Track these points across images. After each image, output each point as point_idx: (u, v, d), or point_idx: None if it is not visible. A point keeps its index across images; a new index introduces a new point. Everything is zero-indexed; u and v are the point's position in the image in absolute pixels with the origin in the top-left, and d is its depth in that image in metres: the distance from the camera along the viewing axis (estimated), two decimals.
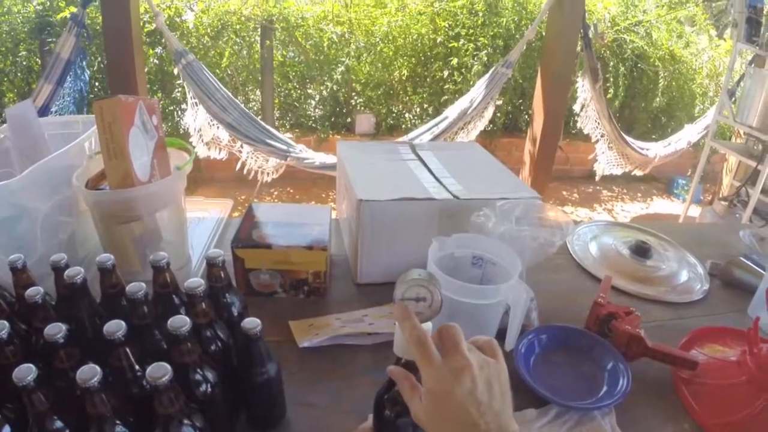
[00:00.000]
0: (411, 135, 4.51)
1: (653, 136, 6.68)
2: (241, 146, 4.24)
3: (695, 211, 5.82)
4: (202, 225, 1.80)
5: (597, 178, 5.57)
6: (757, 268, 1.75)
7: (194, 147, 4.18)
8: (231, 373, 0.91)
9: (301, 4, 6.08)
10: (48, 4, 5.42)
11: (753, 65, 4.92)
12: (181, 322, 0.79)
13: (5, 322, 0.83)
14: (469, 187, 1.54)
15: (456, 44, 6.04)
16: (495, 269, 1.27)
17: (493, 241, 1.27)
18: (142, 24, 4.67)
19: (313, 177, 4.90)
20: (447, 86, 6.20)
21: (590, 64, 4.59)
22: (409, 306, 0.81)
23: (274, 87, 6.20)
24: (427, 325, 0.83)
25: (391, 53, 6.24)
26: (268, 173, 4.44)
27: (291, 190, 5.95)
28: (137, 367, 0.81)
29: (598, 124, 4.94)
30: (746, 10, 4.82)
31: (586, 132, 5.09)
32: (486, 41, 5.98)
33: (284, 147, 4.26)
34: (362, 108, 6.46)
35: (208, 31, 5.75)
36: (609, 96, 6.33)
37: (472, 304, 1.15)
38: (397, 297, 0.82)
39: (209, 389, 0.84)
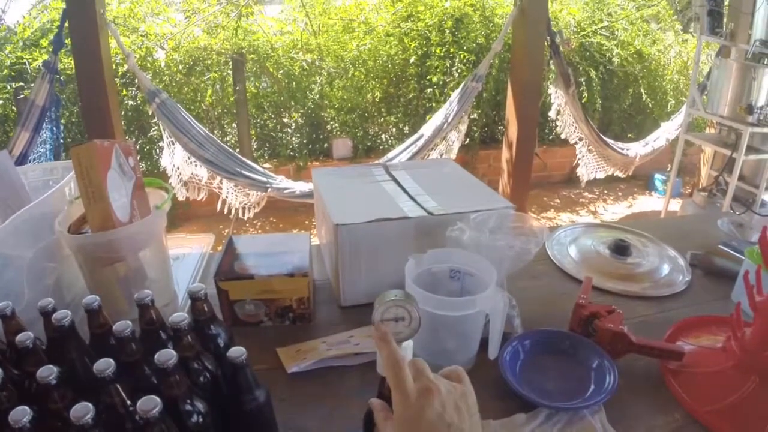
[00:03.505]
0: (389, 155, 4.53)
1: (629, 135, 6.77)
2: (221, 182, 4.25)
3: (676, 205, 5.87)
4: (186, 261, 1.81)
5: (582, 184, 5.60)
6: (736, 254, 1.78)
7: (173, 187, 4.19)
8: (221, 403, 0.93)
9: (269, 35, 6.12)
10: (20, 51, 5.44)
11: (720, 56, 4.99)
12: (167, 355, 0.81)
13: None
14: (443, 202, 1.55)
15: (429, 62, 6.09)
16: (473, 280, 1.29)
17: (468, 253, 1.29)
18: (114, 65, 4.68)
19: (295, 205, 4.92)
20: (423, 104, 6.24)
21: (561, 70, 4.64)
22: (388, 326, 0.82)
23: (249, 118, 6.22)
24: (408, 343, 0.84)
25: (362, 76, 6.29)
26: (249, 208, 4.45)
27: (274, 220, 5.96)
28: (129, 402, 0.82)
29: (576, 128, 4.98)
30: (707, 2, 4.91)
31: (563, 137, 5.13)
32: (457, 58, 6.02)
33: (263, 179, 4.28)
34: (338, 133, 6.49)
35: (180, 68, 5.78)
36: (584, 100, 6.39)
37: (453, 316, 1.17)
38: (375, 319, 0.83)
39: (200, 419, 0.86)
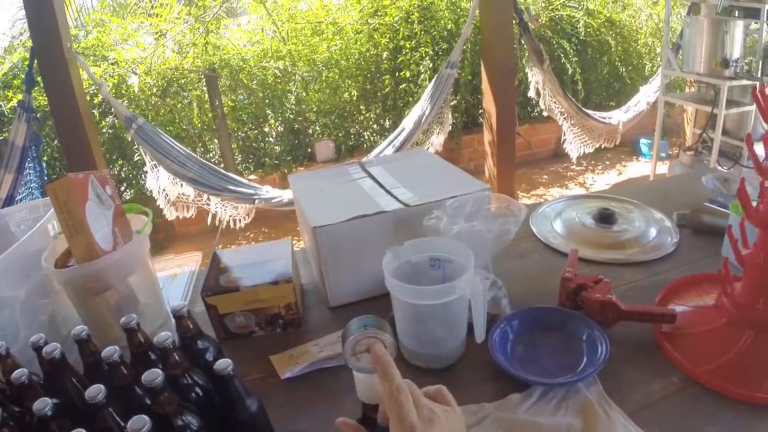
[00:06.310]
0: (373, 153, 4.53)
1: (611, 104, 6.76)
2: (208, 199, 4.25)
3: (665, 167, 5.87)
4: (176, 281, 1.82)
5: (573, 159, 5.59)
6: (723, 210, 1.78)
7: (161, 208, 4.21)
8: (215, 416, 0.94)
9: (239, 47, 6.12)
10: None
11: (690, 14, 5.01)
12: (154, 375, 0.83)
13: None
14: (420, 192, 1.57)
15: (401, 55, 6.10)
16: (454, 267, 1.29)
17: (445, 240, 1.30)
18: (89, 97, 4.68)
19: (286, 212, 4.91)
20: (401, 97, 6.24)
21: (532, 47, 4.64)
22: (362, 359, 0.81)
23: (230, 132, 6.22)
24: None
25: (336, 77, 6.28)
26: (240, 219, 4.45)
27: (266, 230, 5.96)
28: (123, 424, 0.84)
29: (556, 103, 4.97)
30: None
31: (545, 114, 5.12)
32: (427, 48, 6.02)
33: (250, 191, 4.28)
34: (320, 135, 6.50)
35: (155, 91, 5.77)
36: (566, 75, 6.41)
37: (435, 304, 1.18)
38: (347, 353, 0.82)
39: None
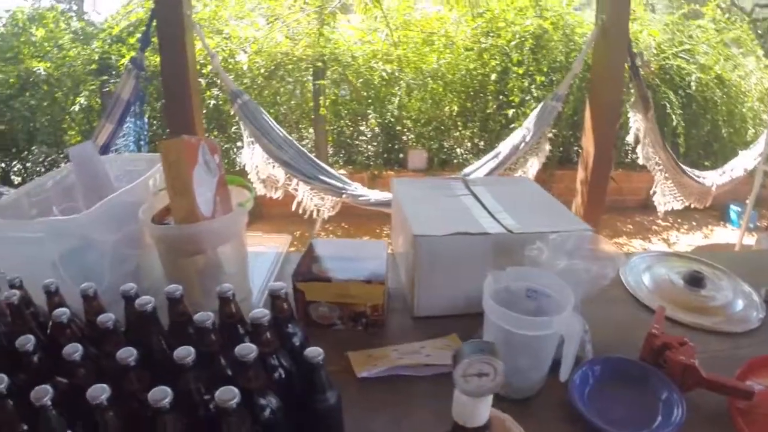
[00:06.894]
0: (466, 170, 4.50)
1: (705, 164, 6.58)
2: (297, 184, 4.29)
3: (751, 239, 5.72)
4: (261, 259, 1.83)
5: (660, 213, 5.47)
6: None
7: (252, 184, 4.26)
8: (293, 401, 0.94)
9: (350, 44, 6.19)
10: (107, 47, 5.61)
11: None
12: (248, 349, 0.83)
13: (78, 344, 0.88)
14: (522, 221, 1.55)
15: (508, 79, 6.08)
16: (549, 301, 1.27)
17: (546, 274, 1.28)
18: (198, 66, 4.78)
19: (368, 213, 4.94)
20: (500, 121, 6.22)
21: (640, 93, 4.54)
22: (470, 382, 0.82)
23: (326, 124, 6.29)
24: (489, 396, 0.83)
25: (440, 89, 6.29)
26: (325, 211, 4.47)
27: (345, 225, 6.00)
28: (203, 390, 0.85)
29: (654, 153, 4.86)
30: None
31: (641, 162, 5.01)
32: (541, 77, 5.99)
33: (339, 184, 4.30)
34: (414, 144, 6.52)
35: (262, 71, 5.88)
36: (667, 126, 6.30)
37: (528, 335, 1.16)
38: (458, 374, 0.79)
39: (273, 415, 0.87)
